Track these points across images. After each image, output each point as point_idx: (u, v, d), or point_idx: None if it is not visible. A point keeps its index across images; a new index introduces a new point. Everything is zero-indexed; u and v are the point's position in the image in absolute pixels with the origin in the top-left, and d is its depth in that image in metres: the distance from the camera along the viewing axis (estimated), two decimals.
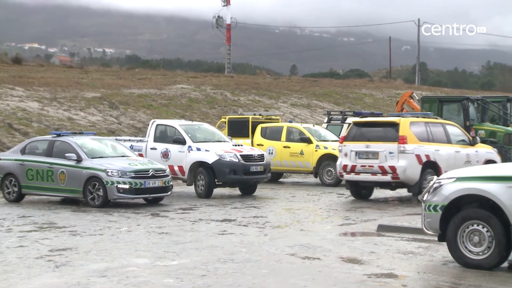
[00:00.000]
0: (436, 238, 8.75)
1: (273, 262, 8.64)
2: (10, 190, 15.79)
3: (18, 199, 15.75)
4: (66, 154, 14.91)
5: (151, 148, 17.50)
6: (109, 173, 14.36)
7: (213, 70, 60.67)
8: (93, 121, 25.54)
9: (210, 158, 16.57)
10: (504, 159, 20.07)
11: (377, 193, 17.73)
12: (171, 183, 15.34)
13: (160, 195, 15.11)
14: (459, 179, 8.43)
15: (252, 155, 17.38)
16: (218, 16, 53.25)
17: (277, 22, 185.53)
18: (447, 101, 25.96)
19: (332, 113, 24.92)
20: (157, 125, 18.26)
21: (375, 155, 15.36)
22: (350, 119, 23.49)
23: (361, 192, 16.39)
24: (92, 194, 14.52)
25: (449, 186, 8.39)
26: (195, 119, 26.98)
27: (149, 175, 14.68)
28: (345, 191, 18.23)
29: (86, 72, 39.03)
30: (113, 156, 15.46)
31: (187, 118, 26.51)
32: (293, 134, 20.88)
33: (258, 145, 20.73)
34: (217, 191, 17.33)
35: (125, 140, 18.15)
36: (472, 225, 8.15)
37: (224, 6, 52.92)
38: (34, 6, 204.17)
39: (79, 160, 14.82)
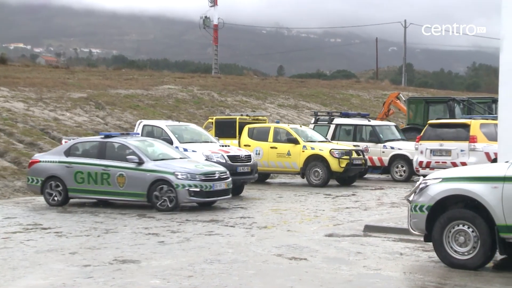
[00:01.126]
0: (422, 239, 8.80)
1: (259, 263, 8.65)
2: (53, 193, 14.91)
3: (63, 203, 14.88)
4: (128, 157, 14.19)
5: None
6: (179, 176, 13.81)
7: (200, 70, 60.55)
8: (79, 121, 25.42)
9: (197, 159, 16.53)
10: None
11: (365, 193, 17.79)
12: (231, 185, 15.00)
13: (224, 198, 14.74)
14: (445, 179, 8.47)
15: (239, 155, 17.36)
16: (205, 17, 53.14)
17: (264, 23, 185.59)
18: (433, 102, 26.19)
19: (319, 113, 24.95)
20: (144, 125, 18.19)
21: (448, 152, 17.61)
22: (337, 120, 23.62)
23: None
24: (160, 198, 13.85)
25: (435, 187, 8.44)
26: (182, 119, 26.91)
27: (216, 177, 14.31)
28: (332, 191, 18.28)
29: (72, 73, 38.82)
30: (173, 157, 14.92)
31: (174, 119, 26.43)
32: (280, 135, 20.89)
33: (245, 145, 20.72)
34: None
35: None
36: (458, 225, 8.20)
37: (211, 6, 52.82)
38: (17, 6, 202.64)
39: (140, 162, 14.18)
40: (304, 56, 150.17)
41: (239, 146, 20.47)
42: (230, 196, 14.91)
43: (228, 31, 63.10)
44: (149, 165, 14.16)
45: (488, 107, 25.87)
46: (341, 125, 23.35)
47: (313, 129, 22.78)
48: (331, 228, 11.70)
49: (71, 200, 15.52)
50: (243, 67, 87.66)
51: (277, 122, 23.51)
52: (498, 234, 7.94)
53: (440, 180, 8.49)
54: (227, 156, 16.83)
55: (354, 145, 21.57)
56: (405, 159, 21.56)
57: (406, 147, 21.81)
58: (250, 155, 18.05)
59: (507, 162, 8.24)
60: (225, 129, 21.81)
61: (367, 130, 22.79)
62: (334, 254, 9.32)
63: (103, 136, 15.38)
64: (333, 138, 22.64)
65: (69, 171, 14.83)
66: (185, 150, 16.79)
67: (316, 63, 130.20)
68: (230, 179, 14.81)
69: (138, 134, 17.09)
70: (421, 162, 18.09)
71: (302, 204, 15.48)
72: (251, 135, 21.22)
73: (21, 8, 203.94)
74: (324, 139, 21.39)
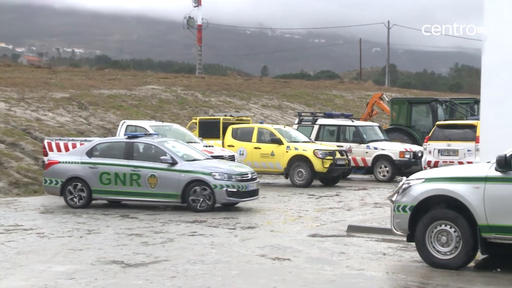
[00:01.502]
0: (405, 239, 8.84)
1: (243, 263, 8.64)
2: (75, 195, 14.53)
3: (86, 204, 14.49)
4: (162, 157, 14.07)
5: None
6: (216, 177, 13.81)
7: (184, 70, 60.32)
8: (62, 121, 25.24)
9: None
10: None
11: (349, 194, 17.84)
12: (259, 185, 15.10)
13: (255, 198, 14.79)
14: (428, 179, 8.52)
15: (222, 156, 17.32)
16: (189, 17, 53.01)
17: (247, 23, 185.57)
18: (416, 102, 26.32)
19: (302, 114, 25.01)
20: (127, 126, 18.13)
21: (455, 152, 18.45)
22: (321, 120, 23.68)
23: None
24: (197, 200, 13.81)
25: (417, 187, 8.48)
26: (165, 120, 26.82)
27: (249, 177, 14.35)
28: (315, 191, 18.31)
29: (55, 72, 38.54)
30: (197, 158, 14.74)
31: (157, 119, 26.32)
32: (264, 135, 20.89)
33: (229, 146, 20.70)
34: None
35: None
36: (440, 225, 8.25)
37: (195, 6, 52.67)
38: None
39: (174, 163, 14.04)
40: (288, 56, 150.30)
41: (223, 146, 20.46)
42: (258, 196, 15.02)
43: (212, 31, 63.02)
44: (183, 165, 14.05)
45: (470, 108, 26.07)
46: (324, 125, 23.40)
47: (297, 129, 22.80)
48: (314, 229, 11.72)
49: (53, 201, 15.41)
50: (227, 67, 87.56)
51: (261, 123, 23.52)
52: (480, 234, 8.00)
53: (423, 180, 8.54)
54: (211, 156, 16.78)
55: (338, 146, 21.61)
56: (388, 160, 21.66)
57: (390, 148, 21.92)
58: (233, 155, 18.02)
59: (488, 162, 8.30)
60: (209, 130, 21.78)
61: (350, 131, 22.86)
62: (317, 254, 9.33)
63: (127, 137, 15.11)
64: (316, 138, 22.68)
65: (94, 172, 14.52)
66: None
67: (300, 63, 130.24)
68: (258, 179, 14.93)
69: (158, 134, 16.87)
70: (429, 162, 18.73)
71: (286, 204, 15.49)
72: (235, 135, 21.20)
73: (2, 7, 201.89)
74: (308, 140, 21.42)
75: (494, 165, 7.98)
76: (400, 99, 28.57)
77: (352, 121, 23.49)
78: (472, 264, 8.48)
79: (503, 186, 7.91)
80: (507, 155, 7.89)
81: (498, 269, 8.32)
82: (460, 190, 8.12)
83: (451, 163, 17.81)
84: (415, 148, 22.20)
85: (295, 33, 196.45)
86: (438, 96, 32.82)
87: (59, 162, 14.99)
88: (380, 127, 24.31)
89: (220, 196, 13.83)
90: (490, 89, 10.80)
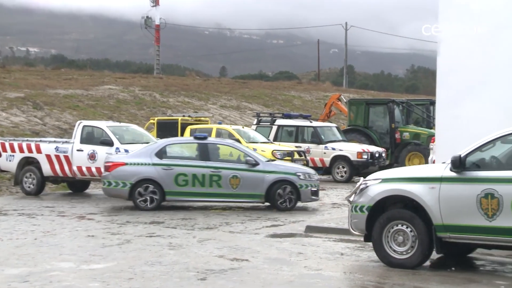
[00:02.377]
0: (362, 239, 8.92)
1: (201, 264, 8.59)
2: (146, 197, 14.16)
3: (157, 206, 14.18)
4: (247, 158, 14.38)
5: (78, 150, 17.05)
6: (301, 177, 14.27)
7: (142, 71, 59.78)
8: (16, 122, 24.77)
9: None
10: (427, 161, 21.03)
11: None
12: None
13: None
14: (385, 180, 8.61)
15: None
16: (147, 17, 52.62)
17: (206, 23, 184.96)
18: (373, 103, 26.63)
19: (261, 115, 25.06)
20: (84, 126, 17.83)
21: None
22: (279, 121, 23.75)
23: None
24: (282, 199, 14.18)
25: (375, 187, 8.56)
26: (123, 120, 26.53)
27: (318, 177, 14.86)
28: None
29: (9, 72, 37.81)
30: (270, 159, 15.16)
31: (114, 119, 26.03)
32: (222, 136, 20.84)
33: None
34: None
35: (50, 142, 17.67)
36: (397, 225, 8.34)
37: (153, 6, 52.28)
38: None
39: (256, 164, 14.34)
40: (246, 57, 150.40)
41: None
42: None
43: (170, 31, 62.66)
44: (265, 166, 14.44)
45: (426, 109, 26.52)
46: (283, 126, 23.48)
47: (256, 130, 22.83)
48: (272, 229, 11.74)
49: (6, 202, 15.11)
50: (185, 67, 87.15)
51: (220, 123, 23.47)
52: (435, 233, 8.12)
53: (380, 180, 8.62)
54: None
55: (296, 146, 21.72)
56: (346, 160, 21.84)
57: (347, 148, 22.11)
58: None
59: (444, 163, 8.43)
60: (167, 130, 21.65)
61: (308, 131, 22.99)
62: (275, 254, 9.34)
63: (195, 137, 15.12)
64: (275, 139, 22.74)
65: (168, 174, 14.30)
66: (126, 151, 16.55)
67: (259, 64, 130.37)
68: None
69: (206, 135, 16.92)
70: (434, 161, 19.09)
71: (244, 204, 15.47)
72: None
73: None
74: (266, 140, 21.47)
75: (449, 165, 8.11)
76: (358, 100, 28.87)
77: (310, 122, 23.63)
78: (427, 263, 8.60)
79: (458, 186, 8.04)
80: (462, 156, 8.03)
81: (453, 268, 8.46)
82: (416, 190, 8.23)
83: None
84: (373, 148, 22.46)
85: (253, 33, 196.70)
86: (395, 97, 33.25)
87: (126, 164, 14.52)
88: (338, 128, 24.50)
89: (305, 196, 14.33)
90: (446, 91, 10.98)
